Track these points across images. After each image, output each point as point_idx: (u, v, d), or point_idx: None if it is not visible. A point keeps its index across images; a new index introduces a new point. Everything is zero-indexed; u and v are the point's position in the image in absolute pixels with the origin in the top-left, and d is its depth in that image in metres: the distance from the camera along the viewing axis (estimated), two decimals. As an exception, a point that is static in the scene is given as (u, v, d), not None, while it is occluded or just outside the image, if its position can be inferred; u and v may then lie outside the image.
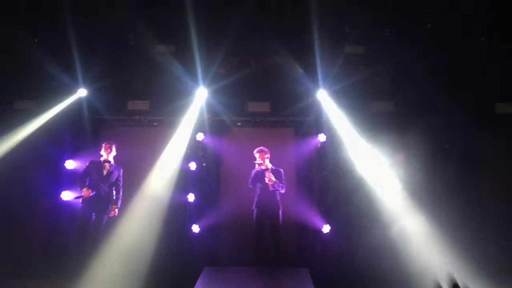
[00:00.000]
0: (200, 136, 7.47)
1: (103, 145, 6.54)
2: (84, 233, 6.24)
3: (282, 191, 6.48)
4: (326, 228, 6.96)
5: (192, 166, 7.42)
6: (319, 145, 7.54)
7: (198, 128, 7.53)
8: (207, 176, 7.56)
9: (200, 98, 7.53)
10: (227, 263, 6.82)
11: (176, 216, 7.25)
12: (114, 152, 6.54)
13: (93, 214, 6.29)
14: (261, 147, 6.58)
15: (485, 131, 7.40)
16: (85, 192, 6.21)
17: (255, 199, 6.47)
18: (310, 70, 7.53)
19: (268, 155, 6.52)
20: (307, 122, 7.81)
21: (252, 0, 7.56)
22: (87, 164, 6.47)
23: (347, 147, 7.38)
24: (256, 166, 6.52)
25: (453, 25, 7.53)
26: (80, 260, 6.12)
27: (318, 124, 7.62)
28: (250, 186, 6.53)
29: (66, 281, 5.85)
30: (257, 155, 6.50)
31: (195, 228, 7.06)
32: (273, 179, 6.33)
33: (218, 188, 7.61)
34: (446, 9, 7.47)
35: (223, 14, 7.50)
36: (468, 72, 7.59)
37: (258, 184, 6.47)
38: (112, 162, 6.53)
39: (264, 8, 7.67)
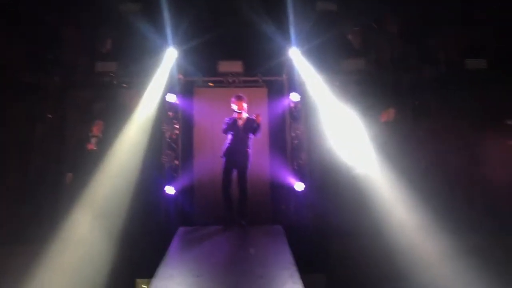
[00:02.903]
0: (171, 97, 7.32)
1: None
2: None
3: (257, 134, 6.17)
4: (299, 186, 7.04)
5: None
6: (292, 104, 7.51)
7: (169, 89, 7.35)
8: (180, 137, 7.50)
9: (170, 58, 7.31)
10: (201, 223, 6.88)
11: (150, 177, 7.20)
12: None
13: None
14: (239, 94, 6.19)
15: (455, 87, 7.49)
16: None
17: (225, 147, 6.15)
18: (282, 28, 7.37)
19: (246, 104, 6.12)
20: (280, 81, 7.77)
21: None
22: None
23: (319, 105, 7.37)
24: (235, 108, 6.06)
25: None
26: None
27: (291, 83, 7.56)
28: (224, 133, 6.18)
29: (39, 244, 5.87)
30: (235, 106, 6.08)
31: (170, 190, 7.05)
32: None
33: (191, 149, 7.56)
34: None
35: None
36: (438, 29, 7.59)
37: (230, 132, 6.14)
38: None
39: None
